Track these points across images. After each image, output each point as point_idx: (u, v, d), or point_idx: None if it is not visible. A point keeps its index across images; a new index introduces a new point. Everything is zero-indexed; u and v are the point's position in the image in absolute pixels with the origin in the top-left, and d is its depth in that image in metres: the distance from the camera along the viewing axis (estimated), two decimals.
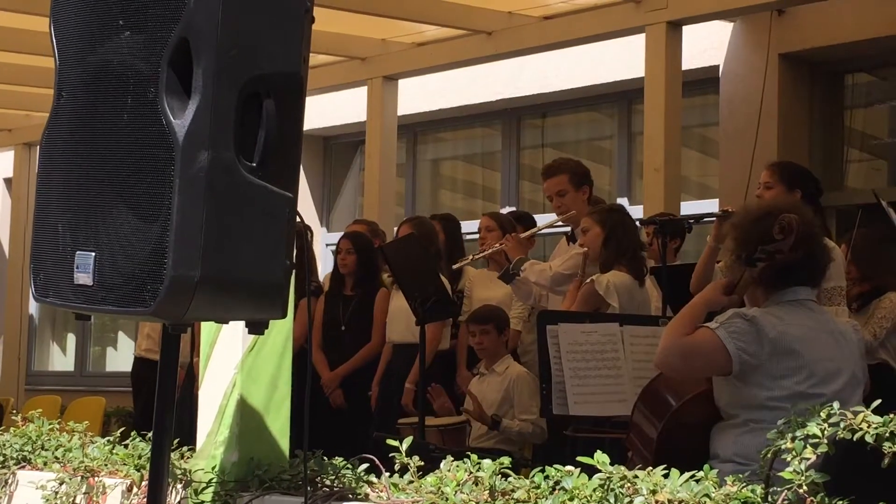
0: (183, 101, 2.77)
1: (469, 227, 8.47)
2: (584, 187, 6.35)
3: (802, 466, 2.70)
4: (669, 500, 2.90)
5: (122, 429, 4.83)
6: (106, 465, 4.32)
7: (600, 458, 3.06)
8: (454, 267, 7.04)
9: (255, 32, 2.86)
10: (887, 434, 2.62)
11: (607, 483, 3.01)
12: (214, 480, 3.82)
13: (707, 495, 2.89)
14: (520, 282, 6.29)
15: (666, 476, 2.99)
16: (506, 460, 3.31)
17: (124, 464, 4.26)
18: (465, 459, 3.35)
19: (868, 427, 2.66)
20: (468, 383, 6.74)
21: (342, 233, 8.16)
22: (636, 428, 4.03)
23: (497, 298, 6.86)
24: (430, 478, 3.39)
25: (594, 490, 3.02)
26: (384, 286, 7.41)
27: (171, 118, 2.76)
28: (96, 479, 4.27)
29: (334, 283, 7.66)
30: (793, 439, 2.72)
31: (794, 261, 3.78)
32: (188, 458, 4.06)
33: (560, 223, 6.56)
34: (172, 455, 3.71)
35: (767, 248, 3.76)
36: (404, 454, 3.49)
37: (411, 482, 3.45)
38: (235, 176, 2.82)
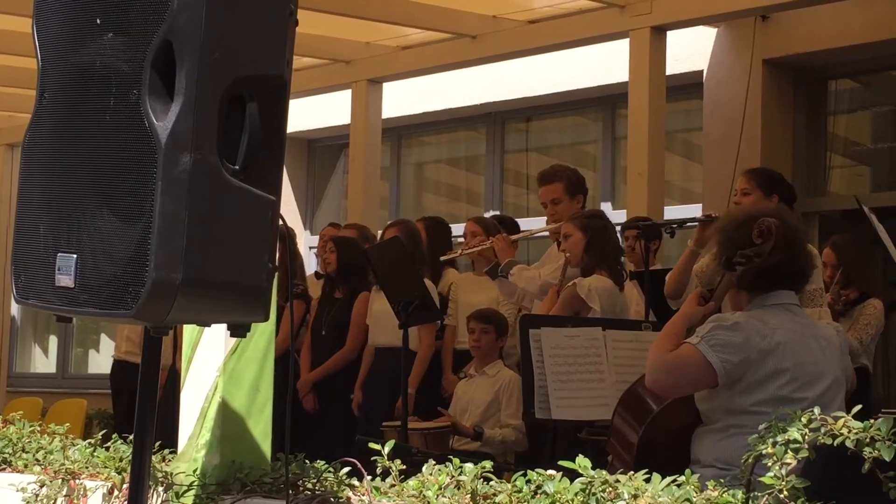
0: (166, 103, 2.77)
1: (453, 230, 8.46)
2: (579, 196, 6.36)
3: (783, 471, 2.70)
4: None
5: (104, 431, 4.82)
6: (87, 467, 4.31)
7: (582, 462, 3.07)
8: (442, 259, 7.05)
9: (239, 35, 2.85)
10: (867, 439, 2.63)
11: (589, 487, 3.02)
12: (196, 483, 3.80)
13: (688, 500, 2.89)
14: (506, 280, 6.30)
15: (647, 481, 2.99)
16: (488, 464, 3.31)
17: (105, 466, 4.24)
18: (448, 463, 3.35)
19: (848, 432, 2.66)
20: (454, 387, 6.75)
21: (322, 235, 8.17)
22: (617, 432, 4.04)
23: (484, 302, 6.86)
24: (411, 481, 3.39)
25: (576, 494, 3.02)
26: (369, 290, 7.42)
27: (154, 120, 2.75)
28: (77, 481, 4.25)
29: (326, 286, 7.68)
30: (774, 444, 2.72)
31: (773, 265, 3.79)
32: (169, 460, 4.05)
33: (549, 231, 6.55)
34: (154, 458, 3.70)
35: (746, 252, 3.78)
36: (386, 457, 3.49)
37: (393, 486, 3.45)
38: (218, 178, 2.81)
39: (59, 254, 2.89)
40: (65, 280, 2.87)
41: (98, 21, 2.86)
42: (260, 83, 2.89)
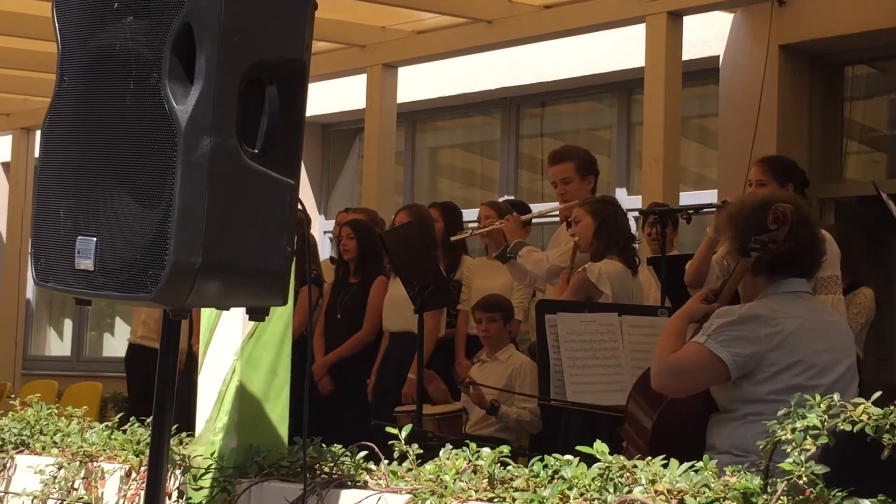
0: (186, 87, 2.77)
1: (467, 215, 8.47)
2: (590, 177, 6.33)
3: (802, 458, 2.69)
4: (668, 490, 2.90)
5: (121, 414, 4.84)
6: (105, 450, 4.32)
7: (599, 447, 3.06)
8: (453, 239, 7.04)
9: (259, 18, 2.86)
10: (887, 426, 2.62)
11: (606, 472, 3.01)
12: (213, 466, 3.81)
13: (706, 485, 2.88)
14: (516, 263, 6.29)
15: (665, 466, 2.99)
16: (505, 448, 3.31)
17: (123, 449, 4.26)
18: (465, 448, 3.35)
19: (868, 419, 2.65)
20: (467, 371, 6.75)
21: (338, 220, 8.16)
22: (631, 418, 4.04)
23: (497, 287, 6.85)
24: (429, 465, 3.39)
25: (593, 479, 3.01)
26: (385, 275, 7.42)
27: (174, 104, 2.75)
28: (95, 464, 4.27)
29: (339, 270, 7.68)
30: (793, 430, 2.72)
31: (788, 251, 3.77)
32: (187, 443, 4.06)
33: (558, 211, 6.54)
34: (171, 441, 3.71)
35: (761, 238, 3.76)
36: (403, 442, 3.50)
37: (410, 470, 3.45)
38: (237, 162, 2.82)
39: (78, 237, 2.90)
40: (84, 263, 2.88)
41: (118, 5, 2.86)
42: (279, 67, 2.89)
